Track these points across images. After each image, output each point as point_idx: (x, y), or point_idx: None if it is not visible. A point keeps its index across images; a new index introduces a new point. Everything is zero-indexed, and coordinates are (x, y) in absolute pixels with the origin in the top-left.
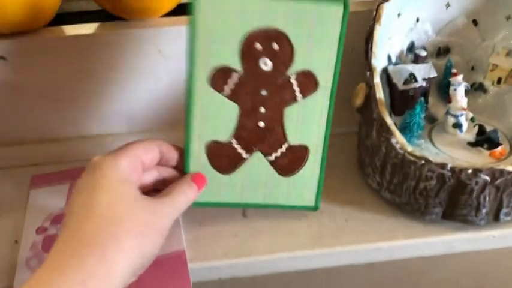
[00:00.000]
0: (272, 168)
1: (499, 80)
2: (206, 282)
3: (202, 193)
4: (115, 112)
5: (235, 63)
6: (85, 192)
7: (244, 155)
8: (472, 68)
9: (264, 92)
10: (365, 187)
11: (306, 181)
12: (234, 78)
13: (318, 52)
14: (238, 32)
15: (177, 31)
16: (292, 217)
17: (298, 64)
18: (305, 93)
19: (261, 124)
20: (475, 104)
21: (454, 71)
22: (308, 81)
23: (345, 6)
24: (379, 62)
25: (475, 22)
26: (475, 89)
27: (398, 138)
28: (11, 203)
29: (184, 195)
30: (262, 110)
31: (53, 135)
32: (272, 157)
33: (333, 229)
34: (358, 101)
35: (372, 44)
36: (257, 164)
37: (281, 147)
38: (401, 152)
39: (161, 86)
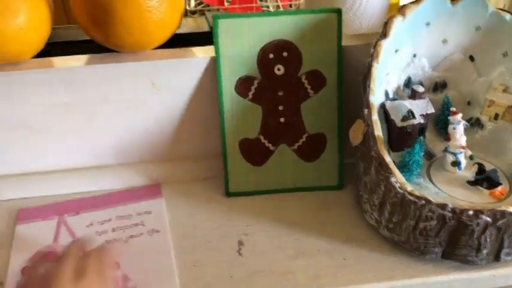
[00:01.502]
0: (297, 156)
1: (496, 116)
2: None
3: (240, 183)
4: (104, 144)
5: (255, 72)
6: None
7: (271, 147)
8: (469, 103)
9: (280, 93)
10: (363, 223)
11: (328, 164)
12: (255, 85)
13: (321, 53)
14: (254, 47)
15: (170, 64)
16: (290, 255)
17: (307, 65)
18: (316, 89)
19: (282, 120)
20: (473, 140)
21: (453, 109)
22: (317, 79)
23: (338, 13)
24: (377, 98)
25: (471, 58)
26: (472, 124)
27: (398, 177)
28: None
29: None
30: (281, 108)
31: (38, 168)
32: (295, 146)
33: (331, 268)
34: (357, 138)
35: (370, 81)
36: (283, 154)
37: (302, 137)
38: (401, 191)
39: (152, 117)
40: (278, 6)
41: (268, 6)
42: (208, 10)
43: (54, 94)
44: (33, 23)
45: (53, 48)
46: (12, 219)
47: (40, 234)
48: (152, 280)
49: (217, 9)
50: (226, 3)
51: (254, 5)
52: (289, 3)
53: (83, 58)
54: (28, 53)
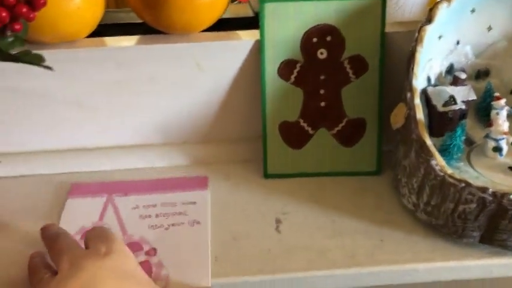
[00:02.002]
0: (335, 141)
1: None
2: None
3: (278, 166)
4: (151, 123)
5: (297, 55)
6: None
7: (310, 131)
8: (511, 92)
9: (322, 77)
10: (399, 207)
11: (366, 149)
12: (297, 68)
13: (365, 39)
14: (298, 31)
15: (215, 46)
16: (326, 235)
17: (350, 50)
18: (358, 74)
19: (322, 104)
20: None
21: (496, 94)
22: (359, 64)
23: None
24: (419, 83)
25: None
26: None
27: (438, 160)
28: (48, 211)
29: None
30: (322, 91)
31: (88, 144)
32: (334, 131)
33: (368, 248)
34: (399, 121)
35: (413, 65)
36: (322, 138)
37: (341, 121)
38: (441, 174)
39: (196, 98)
40: None
41: None
42: None
43: (105, 72)
44: (89, 3)
45: (104, 29)
46: (63, 192)
47: (88, 210)
48: (185, 271)
49: None
50: None
51: None
52: None
53: (133, 38)
54: (83, 32)
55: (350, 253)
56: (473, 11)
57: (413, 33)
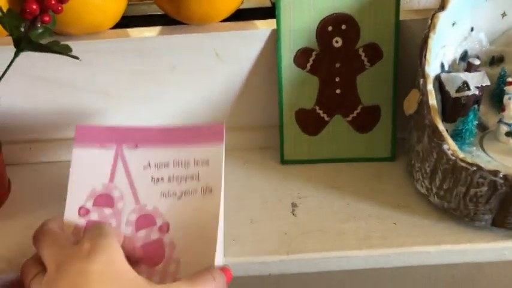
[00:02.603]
0: (351, 127)
1: None
2: (257, 277)
3: (294, 152)
4: (172, 111)
5: (313, 44)
6: None
7: (326, 118)
8: None
9: (337, 65)
10: (413, 192)
11: (381, 135)
12: (313, 56)
13: (379, 26)
14: (314, 20)
15: (233, 35)
16: (341, 218)
17: (364, 39)
18: (372, 62)
19: (338, 91)
20: None
21: (509, 79)
22: (374, 52)
23: None
24: (432, 69)
25: None
26: None
27: (450, 145)
28: None
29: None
30: (338, 79)
31: None
32: (350, 118)
33: (381, 231)
34: (412, 107)
35: (426, 51)
36: (338, 125)
37: (357, 108)
38: (453, 158)
39: (215, 87)
40: None
41: None
42: None
43: (129, 62)
44: None
45: (128, 21)
46: None
47: (97, 165)
48: (193, 254)
49: None
50: None
51: None
52: None
53: (155, 29)
54: (107, 24)
55: (364, 236)
56: None
57: (427, 21)
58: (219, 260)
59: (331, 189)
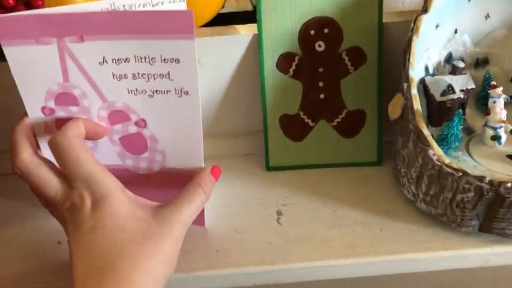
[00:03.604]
0: (336, 132)
1: None
2: None
3: (279, 158)
4: None
5: (296, 48)
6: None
7: (310, 123)
8: (511, 80)
9: (321, 69)
10: (400, 197)
11: (367, 140)
12: (296, 61)
13: (363, 30)
14: (296, 23)
15: (213, 41)
16: (327, 226)
17: (347, 42)
18: (356, 65)
19: (322, 96)
20: None
21: (493, 83)
22: (357, 55)
23: None
24: (416, 73)
25: None
26: None
27: (436, 150)
28: None
29: (192, 204)
30: (321, 84)
31: None
32: (334, 123)
33: (367, 239)
34: (396, 112)
35: (409, 55)
36: (323, 130)
37: (341, 113)
38: (439, 163)
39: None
40: None
41: None
42: None
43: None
44: None
45: None
46: None
47: (41, 64)
48: (179, 146)
49: None
50: None
51: None
52: None
53: None
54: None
55: (350, 243)
56: None
57: (410, 23)
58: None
59: (317, 196)
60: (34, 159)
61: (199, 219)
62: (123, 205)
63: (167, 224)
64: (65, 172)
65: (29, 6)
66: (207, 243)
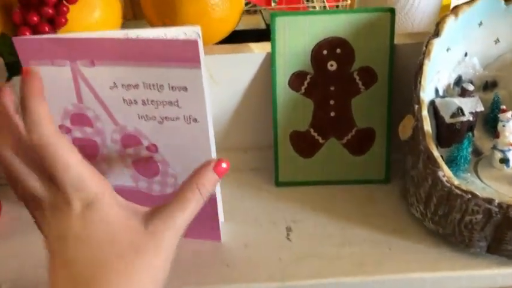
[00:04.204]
0: (345, 150)
1: None
2: None
3: (289, 174)
4: None
5: (308, 67)
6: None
7: (320, 140)
8: None
9: (332, 88)
10: (408, 216)
11: (375, 158)
12: (308, 80)
13: (374, 50)
14: (309, 43)
15: (228, 58)
16: (336, 243)
17: (359, 62)
18: (367, 85)
19: (332, 114)
20: None
21: (503, 107)
22: (368, 75)
23: (392, 12)
24: (427, 95)
25: None
26: None
27: (445, 171)
28: None
29: (186, 210)
30: (332, 102)
31: None
32: (344, 140)
33: (376, 257)
34: (406, 132)
35: (421, 77)
36: (332, 147)
37: (351, 131)
38: (448, 185)
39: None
40: (324, 7)
41: (314, 7)
42: (259, 10)
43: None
44: (107, 16)
45: None
46: None
47: (57, 84)
48: (191, 169)
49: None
50: (273, 4)
51: (301, 5)
52: (335, 3)
53: None
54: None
55: (358, 261)
56: (480, 24)
57: (421, 45)
58: None
59: (326, 213)
60: (58, 134)
61: (215, 234)
62: (113, 212)
63: (159, 235)
64: (49, 174)
65: (53, 23)
66: (217, 257)
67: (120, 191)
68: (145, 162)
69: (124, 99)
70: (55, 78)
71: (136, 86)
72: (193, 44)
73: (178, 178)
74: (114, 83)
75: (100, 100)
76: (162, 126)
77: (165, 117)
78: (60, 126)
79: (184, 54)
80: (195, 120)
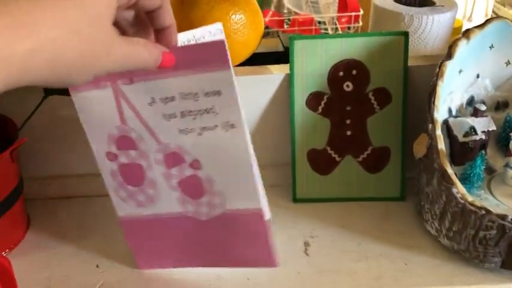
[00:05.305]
0: (361, 168)
1: None
2: None
3: (306, 191)
4: None
5: (325, 88)
6: None
7: (337, 158)
8: None
9: (348, 108)
10: (423, 232)
11: (391, 176)
12: (325, 100)
13: (388, 72)
14: (326, 65)
15: (248, 79)
16: (353, 258)
17: (374, 83)
18: (382, 105)
19: (349, 133)
20: None
21: None
22: (383, 96)
23: (406, 35)
24: (440, 114)
25: None
26: None
27: (459, 188)
28: (99, 229)
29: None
30: (348, 121)
31: None
32: (360, 158)
33: (392, 272)
34: (421, 151)
35: (434, 98)
36: (348, 165)
37: (367, 149)
38: (462, 201)
39: None
40: (336, 29)
41: (326, 29)
42: (277, 33)
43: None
44: None
45: None
46: (112, 212)
47: (101, 108)
48: (235, 185)
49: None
50: (285, 26)
51: (313, 27)
52: (347, 25)
53: None
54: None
55: (375, 276)
56: (492, 46)
57: (435, 67)
58: (261, 192)
59: (343, 228)
60: None
61: (271, 261)
62: None
63: None
64: None
65: None
66: (237, 270)
67: (169, 220)
68: (190, 181)
69: (164, 115)
70: (100, 101)
71: (173, 98)
72: (219, 44)
73: (224, 196)
74: (152, 98)
75: (141, 118)
76: (201, 138)
77: (204, 128)
78: (108, 153)
79: (212, 57)
80: (232, 125)
